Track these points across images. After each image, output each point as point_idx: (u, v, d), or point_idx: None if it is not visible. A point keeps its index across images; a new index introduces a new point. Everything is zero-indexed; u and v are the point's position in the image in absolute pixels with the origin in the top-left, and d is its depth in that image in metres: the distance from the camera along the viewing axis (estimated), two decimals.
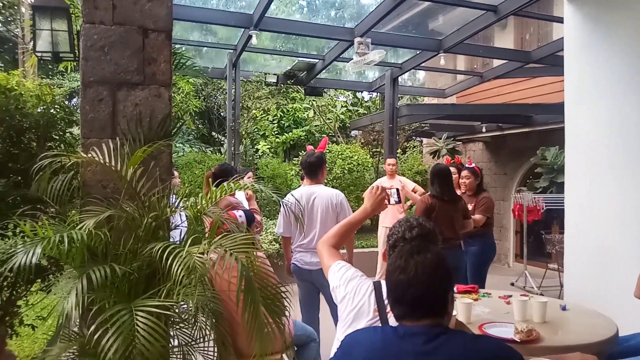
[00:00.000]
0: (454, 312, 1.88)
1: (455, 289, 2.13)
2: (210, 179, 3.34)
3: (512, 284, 6.66)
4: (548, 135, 7.75)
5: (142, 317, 1.60)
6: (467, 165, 4.93)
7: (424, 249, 1.44)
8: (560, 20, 4.41)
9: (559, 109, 4.37)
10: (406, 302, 1.39)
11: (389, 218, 6.02)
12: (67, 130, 2.62)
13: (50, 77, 12.31)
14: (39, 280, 2.31)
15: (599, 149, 3.77)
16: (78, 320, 1.86)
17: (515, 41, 9.12)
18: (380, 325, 1.72)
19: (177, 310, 1.89)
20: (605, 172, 3.72)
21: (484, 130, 9.26)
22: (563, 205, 4.17)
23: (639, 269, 2.78)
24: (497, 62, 7.82)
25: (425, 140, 11.40)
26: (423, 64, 7.15)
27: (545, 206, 6.42)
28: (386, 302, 1.75)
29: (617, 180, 3.62)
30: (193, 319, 1.93)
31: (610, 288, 3.51)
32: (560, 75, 4.24)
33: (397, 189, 2.28)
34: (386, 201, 2.17)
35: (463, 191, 4.66)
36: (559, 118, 4.50)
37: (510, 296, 3.04)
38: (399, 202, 2.32)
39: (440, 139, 9.56)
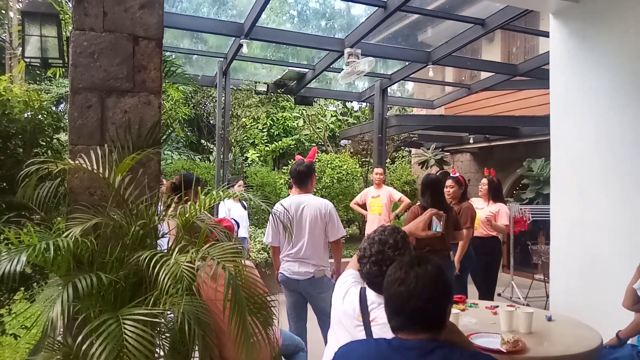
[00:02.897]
0: None
1: None
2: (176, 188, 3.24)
3: (499, 295, 6.70)
4: (534, 147, 7.87)
5: (130, 325, 1.58)
6: (451, 175, 4.99)
7: (424, 261, 1.42)
8: (546, 34, 4.49)
9: (545, 121, 4.44)
10: (405, 314, 1.37)
11: (375, 227, 6.04)
12: (54, 137, 2.60)
13: (38, 82, 12.19)
14: (23, 288, 2.27)
15: (585, 162, 3.83)
16: (62, 330, 1.84)
17: (502, 54, 9.27)
18: (364, 331, 1.73)
19: (163, 320, 1.88)
20: (592, 184, 3.77)
21: (471, 141, 9.36)
22: (549, 217, 4.22)
23: (627, 280, 2.84)
24: (484, 75, 7.93)
25: (413, 150, 11.49)
26: (412, 75, 7.22)
27: (532, 217, 6.49)
28: (370, 308, 1.77)
29: (604, 192, 3.67)
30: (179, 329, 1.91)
31: (596, 299, 3.56)
32: (547, 88, 4.31)
33: (444, 216, 2.36)
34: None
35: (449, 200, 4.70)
36: (545, 130, 4.57)
37: (497, 307, 3.06)
38: (441, 232, 2.39)
39: (429, 149, 9.65)
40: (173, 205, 2.09)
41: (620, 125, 3.56)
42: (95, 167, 1.93)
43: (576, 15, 3.97)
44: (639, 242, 3.34)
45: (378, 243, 1.84)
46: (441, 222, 2.33)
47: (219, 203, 5.08)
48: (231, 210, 5.78)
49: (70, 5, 2.59)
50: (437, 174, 6.53)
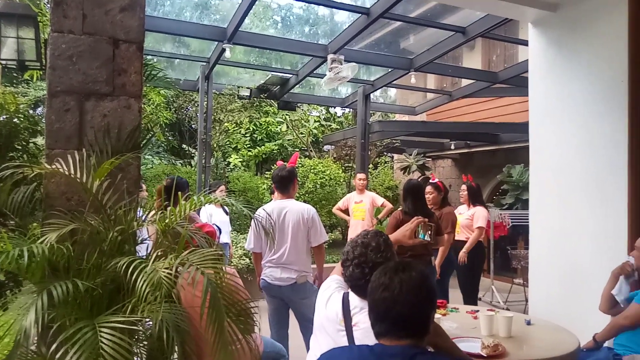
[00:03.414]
0: None
1: None
2: (162, 192, 3.25)
3: (480, 299, 6.76)
4: (514, 154, 8.00)
5: (106, 333, 1.54)
6: (430, 181, 5.04)
7: (408, 267, 1.43)
8: (525, 43, 4.58)
9: (524, 128, 4.51)
10: (389, 319, 1.37)
11: (358, 233, 6.05)
12: (30, 141, 2.54)
13: (14, 85, 11.94)
14: None
15: (564, 169, 3.87)
16: (36, 339, 1.79)
17: (482, 62, 9.42)
18: (346, 336, 1.73)
19: (141, 327, 1.84)
20: (571, 191, 3.80)
21: (452, 147, 9.48)
22: (528, 222, 4.27)
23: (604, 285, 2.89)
24: (465, 82, 8.04)
25: (396, 156, 11.57)
26: (394, 82, 7.29)
27: (511, 222, 6.58)
28: (352, 313, 1.77)
29: (584, 199, 3.70)
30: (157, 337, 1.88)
31: (576, 307, 3.58)
32: (526, 95, 4.38)
33: (432, 226, 2.40)
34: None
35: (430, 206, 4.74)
36: (524, 137, 4.65)
37: (478, 311, 3.09)
38: (428, 240, 2.41)
39: (411, 155, 9.73)
40: (154, 210, 2.06)
41: (599, 132, 3.61)
42: (72, 171, 1.90)
43: (554, 25, 4.05)
44: (619, 249, 3.32)
45: (361, 246, 1.85)
46: (429, 232, 2.36)
47: (201, 208, 5.03)
48: (213, 215, 5.73)
49: (49, 7, 2.55)
50: (419, 179, 6.59)
